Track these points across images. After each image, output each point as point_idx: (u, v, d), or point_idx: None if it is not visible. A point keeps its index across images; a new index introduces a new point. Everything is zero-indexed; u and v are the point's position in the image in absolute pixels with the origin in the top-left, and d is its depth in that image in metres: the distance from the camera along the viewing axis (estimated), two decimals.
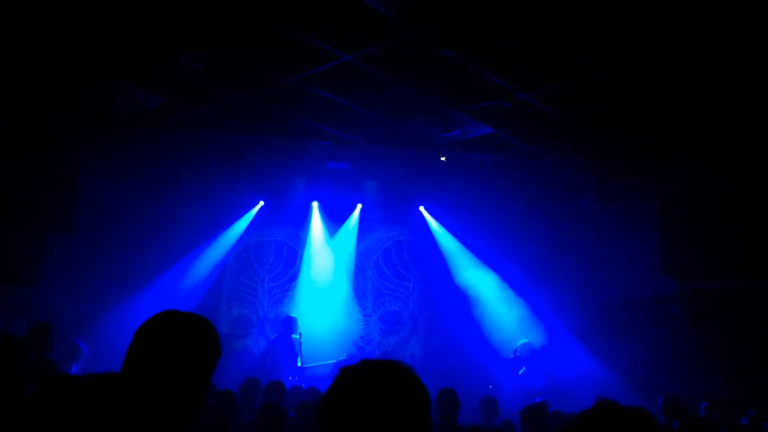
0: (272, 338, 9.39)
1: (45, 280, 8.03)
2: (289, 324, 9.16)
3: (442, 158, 9.26)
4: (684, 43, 5.40)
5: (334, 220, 10.72)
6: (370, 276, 10.78)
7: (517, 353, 8.70)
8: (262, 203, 10.39)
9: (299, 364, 8.84)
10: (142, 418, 1.59)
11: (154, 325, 1.78)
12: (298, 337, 9.02)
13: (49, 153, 8.02)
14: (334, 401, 1.36)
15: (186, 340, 1.76)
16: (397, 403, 1.35)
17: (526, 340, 8.96)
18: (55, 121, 7.76)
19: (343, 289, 10.63)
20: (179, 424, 1.66)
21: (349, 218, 10.70)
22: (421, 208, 10.62)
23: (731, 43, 5.34)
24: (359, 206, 10.62)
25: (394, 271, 10.78)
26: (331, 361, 9.10)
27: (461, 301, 10.35)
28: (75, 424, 1.54)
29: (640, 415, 1.54)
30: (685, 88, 6.25)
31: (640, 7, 4.91)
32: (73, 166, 8.28)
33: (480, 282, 10.24)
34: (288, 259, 10.67)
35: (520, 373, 8.60)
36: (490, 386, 8.42)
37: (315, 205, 10.61)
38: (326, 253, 10.67)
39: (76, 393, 1.61)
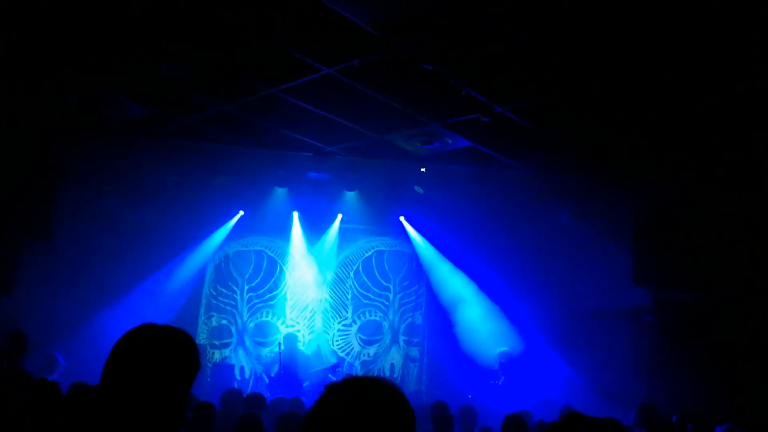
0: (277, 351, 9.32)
1: (22, 289, 7.93)
2: (290, 339, 9.24)
3: (423, 169, 9.34)
4: (658, 60, 5.55)
5: (315, 229, 10.74)
6: (350, 286, 10.80)
7: (500, 364, 8.78)
8: (242, 213, 10.37)
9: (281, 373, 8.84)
10: (119, 430, 1.60)
11: (132, 339, 1.79)
12: (278, 348, 9.01)
13: (28, 160, 7.93)
14: (321, 419, 1.38)
15: (164, 355, 1.77)
16: (383, 422, 1.36)
17: (504, 349, 9.05)
18: (35, 127, 7.68)
19: (324, 299, 10.63)
20: None
21: (330, 228, 10.73)
22: (402, 219, 10.68)
23: (703, 60, 5.50)
24: (340, 216, 10.66)
25: (374, 281, 10.82)
26: (323, 368, 9.15)
27: (441, 310, 10.42)
28: None
29: (608, 426, 1.58)
30: (659, 105, 6.40)
31: (616, 25, 5.04)
32: (53, 174, 8.20)
33: (459, 291, 10.33)
34: (268, 268, 10.65)
35: (499, 383, 8.68)
36: (470, 395, 8.47)
37: (296, 214, 10.62)
38: (307, 262, 10.68)
39: (57, 406, 1.62)
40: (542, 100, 6.56)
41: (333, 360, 9.95)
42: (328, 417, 1.36)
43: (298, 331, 10.02)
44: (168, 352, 1.78)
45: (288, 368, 8.83)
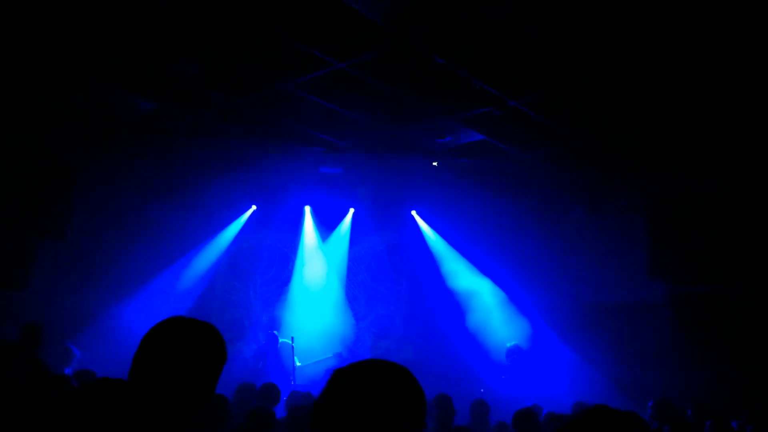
0: (262, 343, 9.42)
1: (38, 285, 8.02)
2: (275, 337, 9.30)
3: (435, 163, 9.32)
4: (672, 50, 5.49)
5: (327, 224, 10.75)
6: (362, 280, 10.81)
7: (510, 358, 8.76)
8: (254, 207, 10.41)
9: (297, 365, 8.92)
10: (149, 424, 1.61)
11: (161, 331, 1.81)
12: (290, 341, 9.06)
13: (43, 160, 8.01)
14: (330, 402, 1.36)
15: (193, 347, 1.78)
16: (392, 403, 1.34)
17: (514, 343, 9.03)
18: (50, 126, 7.76)
19: (336, 293, 10.66)
20: (185, 428, 1.69)
21: (342, 223, 10.74)
22: (414, 213, 10.67)
23: (719, 52, 5.44)
24: (352, 211, 10.66)
25: (386, 276, 10.82)
26: (324, 357, 9.19)
27: (453, 305, 10.40)
28: (84, 428, 1.57)
29: (630, 419, 1.56)
30: (675, 95, 6.34)
31: (630, 13, 4.99)
32: (68, 172, 8.28)
33: (472, 286, 10.31)
34: (280, 263, 10.69)
35: (508, 377, 8.66)
36: (482, 390, 8.46)
37: (308, 209, 10.64)
38: (319, 257, 10.70)
39: (86, 398, 1.64)
40: (555, 93, 6.52)
41: (345, 354, 9.96)
42: (339, 400, 1.34)
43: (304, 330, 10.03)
44: (198, 345, 1.80)
45: (275, 359, 8.93)
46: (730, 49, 5.34)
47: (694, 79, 5.94)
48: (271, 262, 10.68)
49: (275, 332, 9.46)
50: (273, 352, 9.07)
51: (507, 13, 5.08)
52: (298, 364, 8.97)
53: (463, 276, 10.38)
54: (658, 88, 6.19)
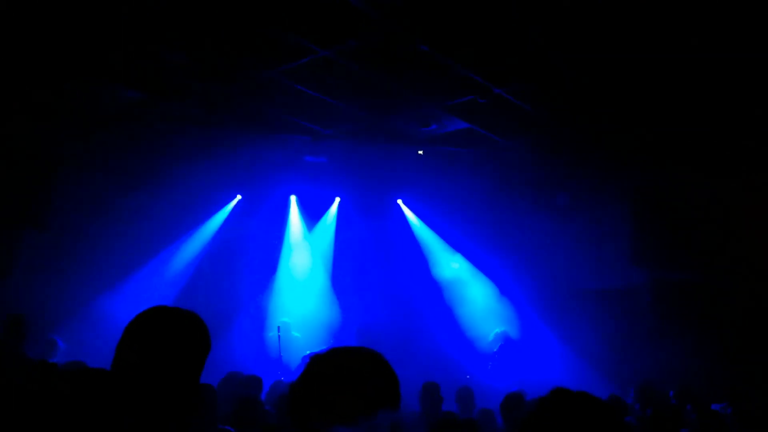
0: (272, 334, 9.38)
1: (21, 275, 7.94)
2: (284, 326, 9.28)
3: (420, 152, 9.32)
4: (657, 42, 5.53)
5: (313, 213, 10.74)
6: (348, 269, 10.81)
7: (496, 345, 8.84)
8: (239, 197, 10.36)
9: (280, 358, 8.90)
10: (132, 413, 1.61)
11: (144, 320, 1.79)
12: (276, 332, 9.07)
13: (26, 150, 7.89)
14: (306, 385, 1.38)
15: (176, 335, 1.77)
16: (366, 386, 1.37)
17: (502, 329, 9.11)
18: (32, 116, 7.64)
19: (322, 282, 10.66)
20: (170, 418, 1.68)
21: (328, 212, 10.72)
22: (399, 202, 10.68)
23: (703, 44, 5.48)
24: (337, 200, 10.65)
25: (372, 265, 10.83)
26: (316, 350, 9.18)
27: (439, 292, 10.46)
28: (67, 418, 1.56)
29: (600, 405, 1.53)
30: (656, 88, 6.39)
31: (614, 6, 5.01)
32: (50, 161, 8.17)
33: (458, 274, 10.37)
34: (266, 253, 10.66)
35: (495, 364, 8.75)
36: (468, 376, 8.54)
37: (293, 198, 10.61)
38: (305, 246, 10.69)
39: (67, 385, 1.63)
40: (539, 81, 6.54)
41: (331, 342, 9.99)
42: (313, 382, 1.37)
43: (291, 320, 10.01)
44: (181, 333, 1.79)
45: (281, 352, 8.91)
46: (718, 42, 5.39)
47: (684, 71, 5.98)
48: (256, 251, 10.65)
49: (283, 322, 9.39)
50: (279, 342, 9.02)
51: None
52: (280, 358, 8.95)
53: (448, 264, 10.43)
54: (645, 77, 6.22)
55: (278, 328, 9.14)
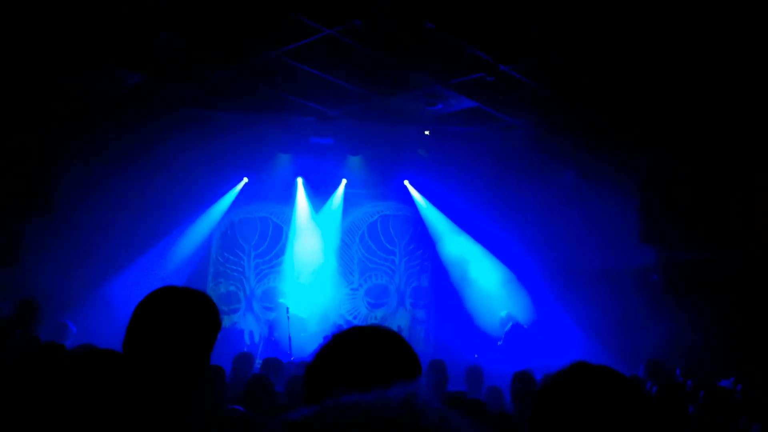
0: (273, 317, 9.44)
1: (28, 261, 7.99)
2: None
3: (426, 132, 9.27)
4: (668, 20, 5.43)
5: (319, 195, 10.72)
6: (356, 251, 10.84)
7: (504, 326, 8.85)
8: (246, 180, 10.35)
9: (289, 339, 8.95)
10: (144, 393, 1.61)
11: (153, 300, 1.79)
12: (286, 314, 9.11)
13: (30, 134, 7.89)
14: (323, 362, 1.36)
15: (186, 315, 1.77)
16: (387, 365, 1.34)
17: (507, 312, 9.11)
18: (36, 101, 7.62)
19: (330, 264, 10.69)
20: (181, 397, 1.68)
21: (334, 193, 10.71)
22: (406, 182, 10.64)
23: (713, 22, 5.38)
24: (344, 181, 10.62)
25: (379, 245, 10.85)
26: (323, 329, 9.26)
27: (446, 273, 10.47)
28: (79, 398, 1.56)
29: (614, 376, 1.52)
30: (667, 63, 6.29)
31: None
32: (55, 147, 8.17)
33: (465, 254, 10.35)
34: (274, 235, 10.69)
35: (499, 344, 8.77)
36: (476, 355, 8.57)
37: (300, 180, 10.59)
38: (312, 228, 10.69)
39: (79, 367, 1.63)
40: (547, 58, 6.45)
41: (340, 324, 10.03)
42: (333, 361, 1.35)
43: (302, 294, 10.05)
44: (190, 313, 1.78)
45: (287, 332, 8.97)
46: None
47: (690, 52, 5.89)
48: (264, 234, 10.67)
49: (284, 305, 9.43)
50: (283, 324, 9.07)
51: None
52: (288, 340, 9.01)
53: (456, 244, 10.42)
54: (654, 52, 6.12)
55: (287, 309, 9.18)
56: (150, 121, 8.55)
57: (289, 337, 8.88)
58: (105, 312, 7.75)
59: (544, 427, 1.34)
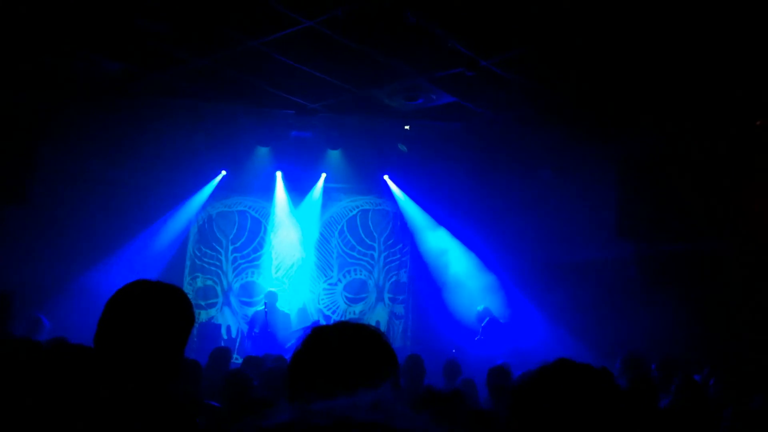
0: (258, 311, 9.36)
1: (3, 253, 7.82)
2: (272, 298, 9.23)
3: (407, 127, 9.26)
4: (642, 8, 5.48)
5: (299, 189, 10.66)
6: (335, 245, 10.80)
7: (484, 321, 8.89)
8: (224, 173, 10.25)
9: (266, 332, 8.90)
10: (116, 388, 1.58)
11: (126, 294, 1.76)
12: (263, 307, 9.05)
13: (5, 122, 7.71)
14: (306, 358, 1.37)
15: (158, 309, 1.74)
16: (367, 360, 1.37)
17: (485, 306, 9.16)
18: (12, 90, 7.45)
19: (309, 258, 10.64)
20: (153, 392, 1.65)
21: (314, 187, 10.65)
22: (386, 177, 10.63)
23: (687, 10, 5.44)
24: (323, 175, 10.57)
25: (359, 240, 10.82)
26: (298, 330, 9.17)
27: (425, 268, 10.49)
28: (51, 393, 1.52)
29: (593, 372, 1.54)
30: (643, 54, 6.35)
31: None
32: (29, 135, 7.99)
33: (443, 248, 10.38)
34: (252, 229, 10.60)
35: (476, 339, 8.82)
36: (454, 350, 8.61)
37: (279, 174, 10.52)
38: (291, 222, 10.63)
39: (51, 361, 1.59)
40: (528, 51, 6.47)
41: (319, 319, 10.00)
42: (315, 355, 1.36)
43: (280, 289, 9.99)
44: (163, 307, 1.76)
45: (269, 327, 8.87)
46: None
47: (665, 42, 5.94)
48: (242, 228, 10.59)
49: (270, 297, 9.35)
50: (267, 318, 9.00)
51: None
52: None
53: (434, 239, 10.44)
54: (632, 42, 6.16)
55: (265, 303, 9.11)
56: (128, 111, 8.41)
57: (266, 330, 8.82)
58: (80, 305, 7.61)
59: (520, 425, 1.36)
